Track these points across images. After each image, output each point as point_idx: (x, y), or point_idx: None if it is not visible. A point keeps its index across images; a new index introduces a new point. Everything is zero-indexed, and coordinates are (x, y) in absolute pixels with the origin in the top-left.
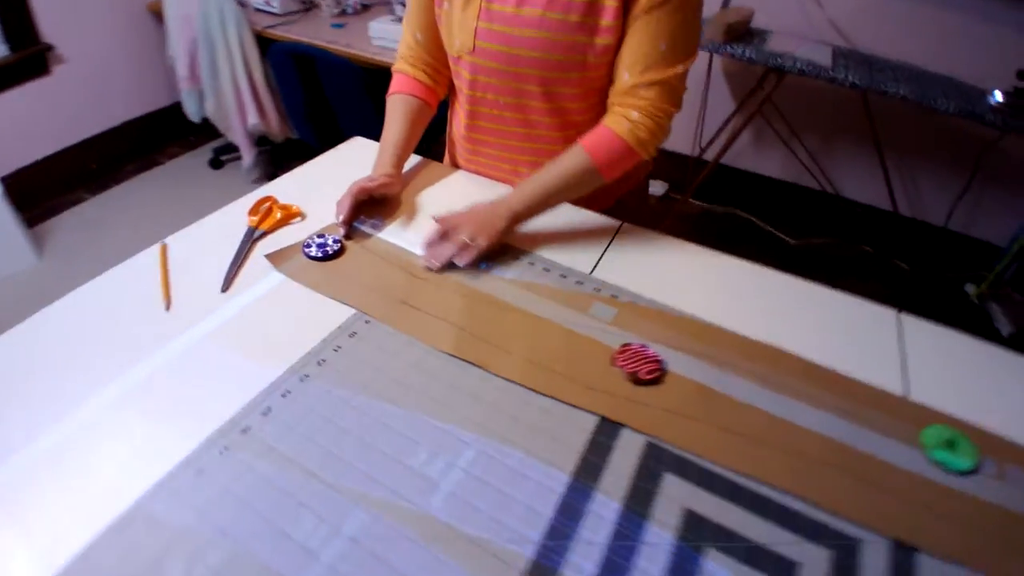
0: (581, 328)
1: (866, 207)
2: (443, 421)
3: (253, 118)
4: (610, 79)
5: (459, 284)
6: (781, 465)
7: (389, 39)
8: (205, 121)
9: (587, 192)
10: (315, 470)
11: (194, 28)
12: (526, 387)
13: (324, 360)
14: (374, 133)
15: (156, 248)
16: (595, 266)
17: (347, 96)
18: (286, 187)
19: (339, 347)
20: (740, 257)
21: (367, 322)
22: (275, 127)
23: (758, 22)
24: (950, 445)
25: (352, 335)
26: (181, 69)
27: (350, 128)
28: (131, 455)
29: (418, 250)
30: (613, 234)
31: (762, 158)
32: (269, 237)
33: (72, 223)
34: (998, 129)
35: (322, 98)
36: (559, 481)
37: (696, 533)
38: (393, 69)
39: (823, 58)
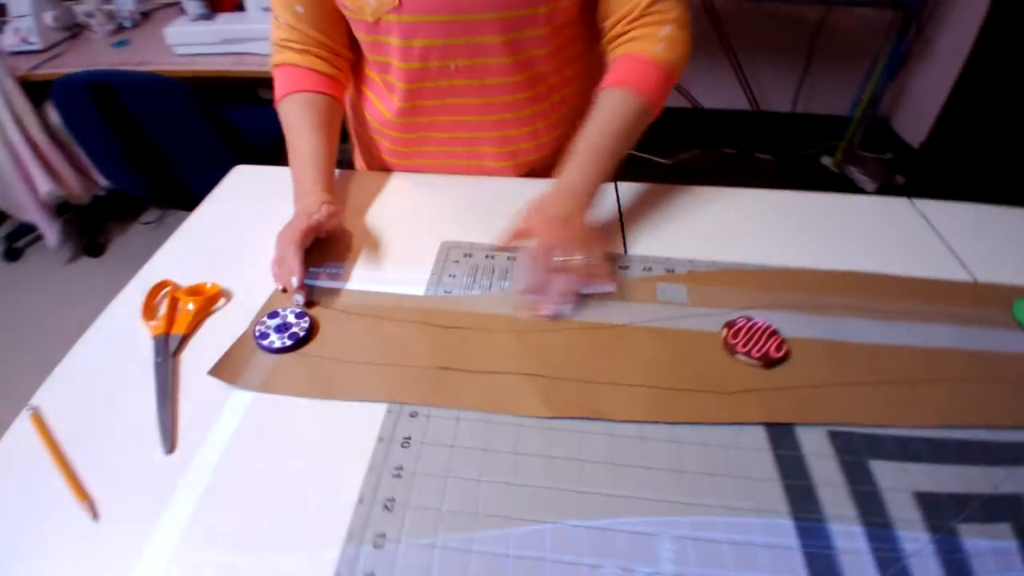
0: (664, 322)
1: (723, 112)
2: (607, 517)
3: (46, 184)
4: (577, 12)
5: (493, 318)
6: (941, 400)
7: (196, 43)
8: None
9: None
10: None
11: None
12: (662, 422)
13: (392, 499)
14: (221, 159)
15: (25, 419)
16: (624, 242)
17: (173, 121)
18: (179, 261)
19: (399, 469)
20: None
21: (413, 415)
22: (75, 187)
23: None
24: None
25: (406, 443)
26: None
27: (187, 162)
28: None
29: (414, 289)
30: (616, 199)
31: None
32: (192, 343)
33: None
34: (830, 4)
35: (138, 134)
36: (786, 531)
37: (938, 514)
38: (272, 64)
39: None
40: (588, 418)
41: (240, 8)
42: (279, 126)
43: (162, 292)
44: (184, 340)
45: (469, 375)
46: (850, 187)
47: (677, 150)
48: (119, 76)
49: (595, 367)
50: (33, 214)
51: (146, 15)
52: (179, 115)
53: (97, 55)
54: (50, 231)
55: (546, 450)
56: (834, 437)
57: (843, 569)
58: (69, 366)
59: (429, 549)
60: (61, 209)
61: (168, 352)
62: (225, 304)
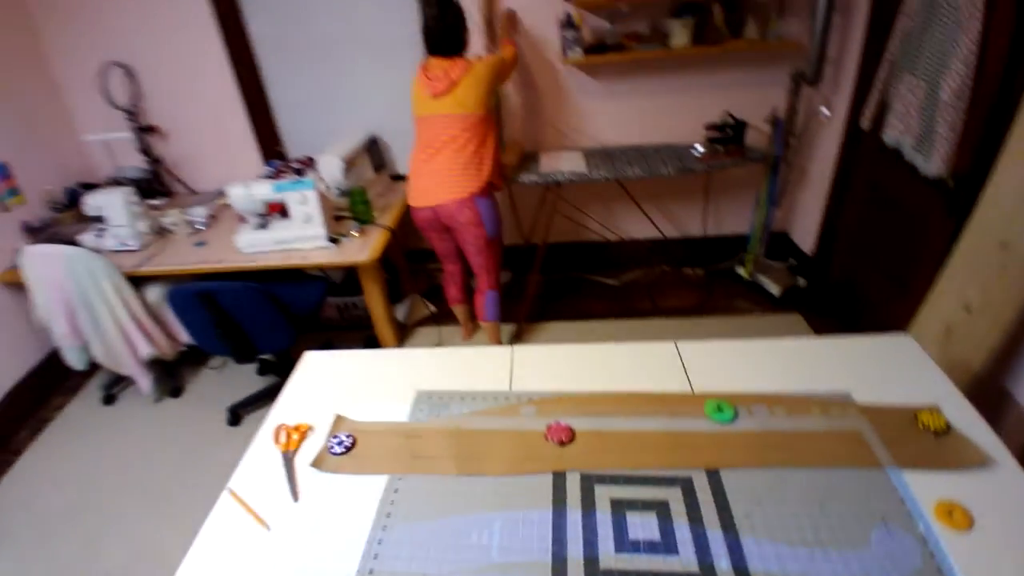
0: (521, 426)
1: (649, 241)
2: (487, 511)
3: (145, 348)
4: None
5: (440, 431)
6: (647, 454)
7: (260, 246)
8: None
9: None
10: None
11: (66, 291)
12: (511, 475)
13: (389, 518)
14: (276, 324)
15: (226, 496)
16: (511, 383)
17: (249, 308)
18: (285, 413)
19: (396, 491)
20: (594, 317)
21: (400, 478)
22: (166, 348)
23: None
24: (719, 409)
25: (395, 491)
26: (59, 328)
27: (261, 334)
28: None
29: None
30: (511, 359)
31: (565, 231)
32: (298, 454)
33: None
34: (706, 172)
35: (227, 319)
36: (547, 513)
37: (619, 506)
38: None
39: (579, 165)
40: (476, 474)
41: (285, 214)
42: (317, 297)
43: (282, 431)
44: (294, 452)
45: (423, 459)
46: (761, 291)
47: (623, 271)
48: (217, 287)
49: (483, 452)
50: (131, 369)
51: (214, 217)
52: (253, 303)
53: (185, 255)
54: (144, 381)
55: (462, 483)
56: (583, 476)
57: (567, 530)
58: (242, 469)
59: (413, 530)
60: (151, 363)
61: (290, 458)
62: (312, 434)
